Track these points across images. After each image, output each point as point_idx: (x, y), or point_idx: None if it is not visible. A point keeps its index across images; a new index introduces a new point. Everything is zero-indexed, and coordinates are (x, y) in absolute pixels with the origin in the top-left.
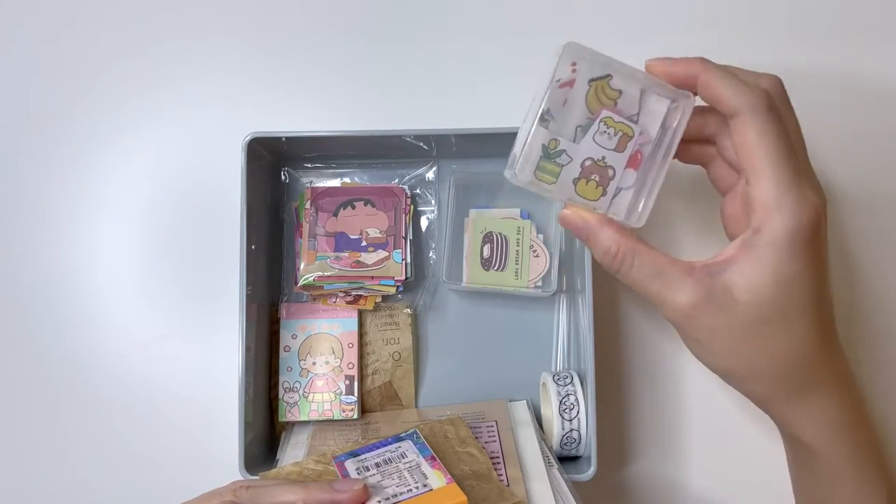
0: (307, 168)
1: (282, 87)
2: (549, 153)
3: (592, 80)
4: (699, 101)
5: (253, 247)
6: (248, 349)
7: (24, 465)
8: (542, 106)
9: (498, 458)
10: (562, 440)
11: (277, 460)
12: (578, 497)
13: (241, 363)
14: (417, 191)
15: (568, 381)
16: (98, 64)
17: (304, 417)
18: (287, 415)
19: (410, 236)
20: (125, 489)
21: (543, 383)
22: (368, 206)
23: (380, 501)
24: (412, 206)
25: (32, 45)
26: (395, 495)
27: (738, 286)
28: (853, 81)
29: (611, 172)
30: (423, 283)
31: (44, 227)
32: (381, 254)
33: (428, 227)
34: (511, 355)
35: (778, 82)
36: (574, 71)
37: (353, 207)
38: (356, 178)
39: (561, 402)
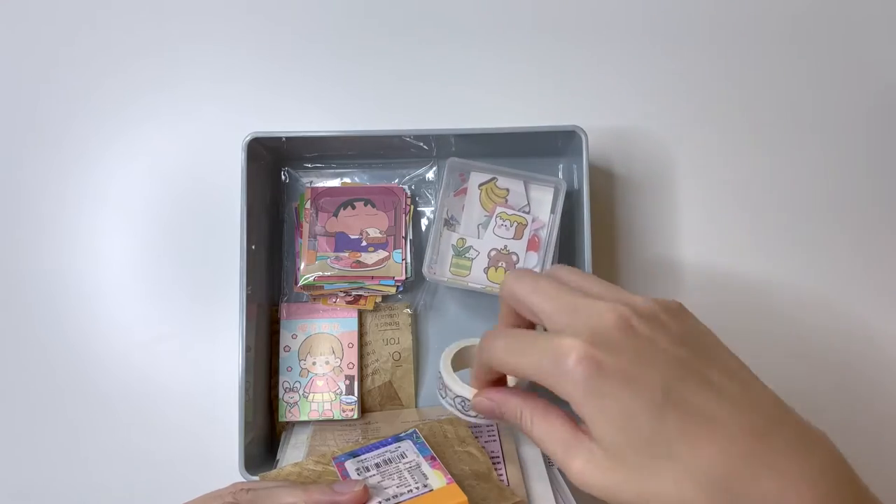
0: (307, 168)
1: (282, 87)
2: (459, 251)
3: (482, 184)
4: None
5: (253, 247)
6: (248, 349)
7: (23, 464)
8: (445, 215)
9: (498, 457)
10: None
11: (277, 460)
12: (578, 497)
13: (242, 363)
14: (416, 190)
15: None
16: (99, 66)
17: (304, 417)
18: (287, 415)
19: (410, 236)
20: (125, 489)
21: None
22: (368, 206)
23: (380, 502)
24: (412, 206)
25: (35, 48)
26: (396, 496)
27: (597, 448)
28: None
29: (514, 258)
30: (423, 283)
31: (45, 227)
32: (381, 254)
33: (428, 227)
34: None
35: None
36: (464, 180)
37: (353, 207)
38: (356, 178)
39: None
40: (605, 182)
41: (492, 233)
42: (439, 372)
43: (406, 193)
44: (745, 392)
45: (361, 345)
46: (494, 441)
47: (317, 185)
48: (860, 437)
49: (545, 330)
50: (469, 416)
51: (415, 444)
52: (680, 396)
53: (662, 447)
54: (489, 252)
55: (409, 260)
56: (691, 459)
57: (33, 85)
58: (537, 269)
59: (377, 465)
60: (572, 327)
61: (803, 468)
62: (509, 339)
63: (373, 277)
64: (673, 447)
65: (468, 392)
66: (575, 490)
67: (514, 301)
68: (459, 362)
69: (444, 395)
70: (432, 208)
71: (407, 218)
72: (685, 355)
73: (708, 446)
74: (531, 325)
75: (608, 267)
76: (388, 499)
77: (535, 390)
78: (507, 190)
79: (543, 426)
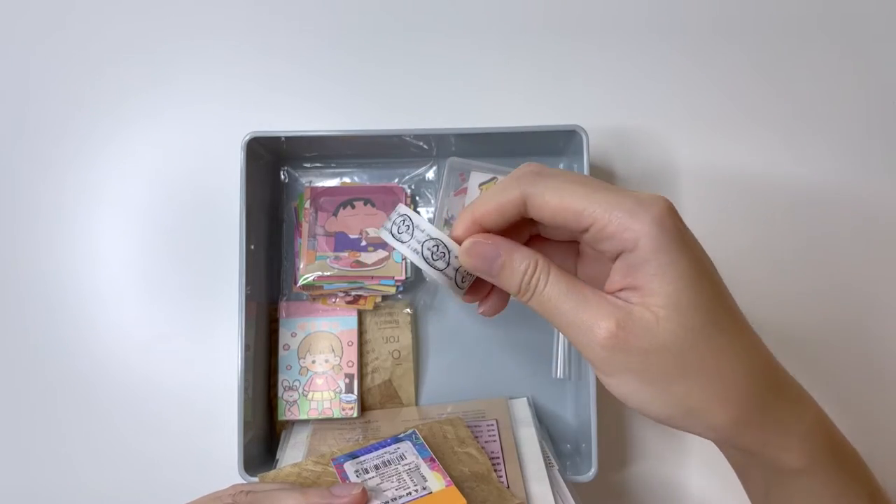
0: (307, 168)
1: (281, 86)
2: None
3: (482, 183)
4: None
5: (252, 246)
6: (247, 348)
7: (22, 464)
8: (445, 214)
9: (498, 457)
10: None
11: (277, 460)
12: (578, 497)
13: (241, 362)
14: (416, 190)
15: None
16: (97, 63)
17: (303, 416)
18: (286, 413)
19: None
20: (124, 489)
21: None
22: (368, 205)
23: None
24: (412, 206)
25: (31, 44)
26: (395, 499)
27: (653, 303)
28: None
29: None
30: (423, 282)
31: (42, 227)
32: (381, 253)
33: None
34: (511, 353)
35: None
36: (464, 180)
37: (353, 207)
38: (356, 178)
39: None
40: (605, 181)
41: None
42: (398, 213)
43: (406, 193)
44: None
45: (361, 343)
46: (495, 441)
47: (316, 184)
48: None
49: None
50: (436, 266)
51: (414, 445)
52: (720, 278)
53: (721, 313)
54: None
55: (408, 260)
56: (743, 335)
57: (28, 82)
58: None
59: (376, 467)
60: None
61: (804, 394)
62: (566, 178)
63: (372, 277)
64: (732, 316)
65: (447, 238)
66: (574, 490)
67: (549, 213)
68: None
69: (404, 238)
70: (432, 208)
71: None
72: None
73: (751, 333)
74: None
75: None
76: (387, 501)
77: None
78: None
79: (563, 283)
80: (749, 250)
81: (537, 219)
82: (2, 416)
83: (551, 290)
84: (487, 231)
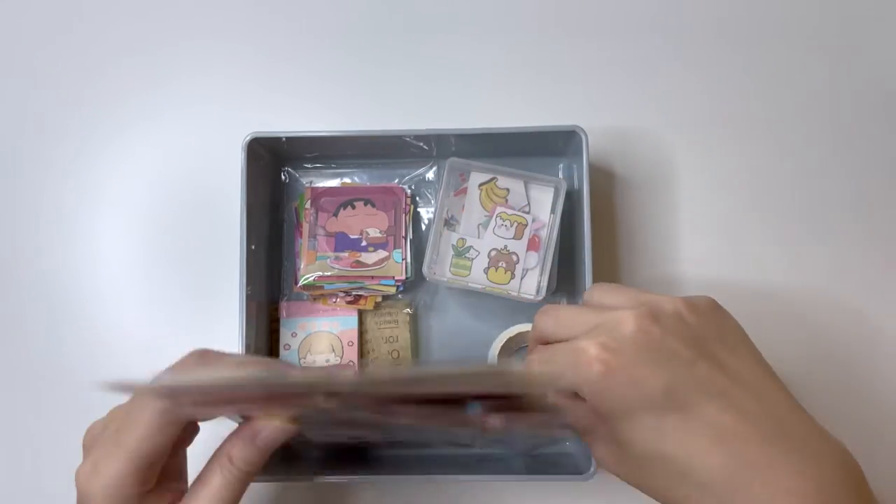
0: (307, 168)
1: (282, 87)
2: (459, 251)
3: (482, 183)
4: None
5: (253, 247)
6: (247, 348)
7: (22, 465)
8: (445, 214)
9: None
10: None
11: None
12: None
13: None
14: (416, 190)
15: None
16: (98, 64)
17: None
18: None
19: (410, 236)
20: None
21: None
22: (368, 205)
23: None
24: (412, 206)
25: (32, 45)
26: None
27: (614, 434)
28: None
29: (514, 258)
30: (423, 282)
31: (43, 227)
32: (381, 253)
33: (428, 227)
34: None
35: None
36: (464, 180)
37: (353, 207)
38: (356, 178)
39: None
40: (605, 182)
41: (492, 233)
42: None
43: (406, 193)
44: (754, 397)
45: (361, 343)
46: None
47: (317, 184)
48: (865, 433)
49: None
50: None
51: None
52: (682, 399)
53: (660, 448)
54: (489, 252)
55: (409, 260)
56: (685, 461)
57: (29, 83)
58: (537, 269)
59: None
60: (592, 334)
61: (801, 480)
62: (541, 352)
63: (373, 277)
64: (669, 449)
65: None
66: None
67: (543, 340)
68: (509, 346)
69: None
70: (432, 208)
71: (407, 218)
72: (694, 357)
73: (702, 451)
74: None
75: (609, 267)
76: None
77: None
78: (508, 190)
79: (580, 408)
80: (748, 247)
81: None
82: (1, 416)
83: (568, 417)
84: None
